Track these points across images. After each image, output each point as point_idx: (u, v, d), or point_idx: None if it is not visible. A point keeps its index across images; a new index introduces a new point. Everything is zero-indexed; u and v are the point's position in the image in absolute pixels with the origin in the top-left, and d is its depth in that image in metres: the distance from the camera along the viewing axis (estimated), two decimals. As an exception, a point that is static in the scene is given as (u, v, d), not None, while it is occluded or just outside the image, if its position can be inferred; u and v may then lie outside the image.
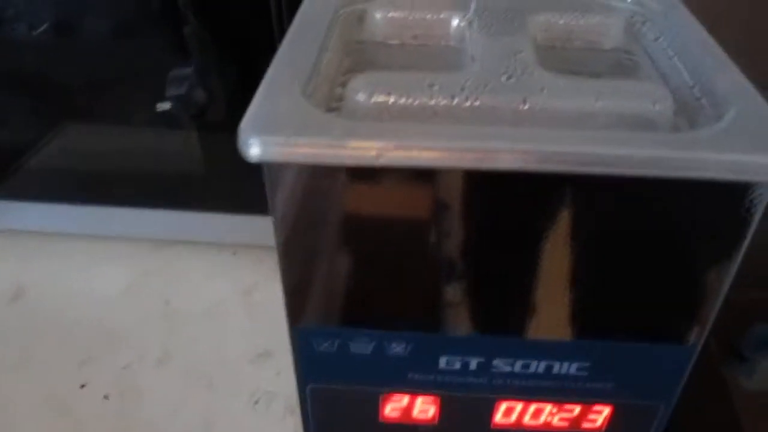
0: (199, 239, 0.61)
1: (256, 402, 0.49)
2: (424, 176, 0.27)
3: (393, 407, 0.35)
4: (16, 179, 0.60)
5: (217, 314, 0.56)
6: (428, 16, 0.36)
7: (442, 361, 0.33)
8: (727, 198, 0.26)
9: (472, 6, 0.35)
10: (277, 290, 0.54)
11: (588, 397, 0.34)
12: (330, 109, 0.29)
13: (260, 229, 0.57)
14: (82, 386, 0.50)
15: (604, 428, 0.36)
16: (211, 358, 0.52)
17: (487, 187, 0.27)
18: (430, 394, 0.35)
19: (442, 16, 0.36)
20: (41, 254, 0.62)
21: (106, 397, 0.49)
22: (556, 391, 0.34)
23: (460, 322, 0.32)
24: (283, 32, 0.33)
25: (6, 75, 0.55)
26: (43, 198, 0.60)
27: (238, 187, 0.56)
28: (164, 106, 0.47)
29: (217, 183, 0.57)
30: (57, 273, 0.60)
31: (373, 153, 0.25)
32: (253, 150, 0.25)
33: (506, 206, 0.28)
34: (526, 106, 0.28)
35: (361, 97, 0.28)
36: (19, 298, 0.58)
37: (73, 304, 0.57)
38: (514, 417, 0.35)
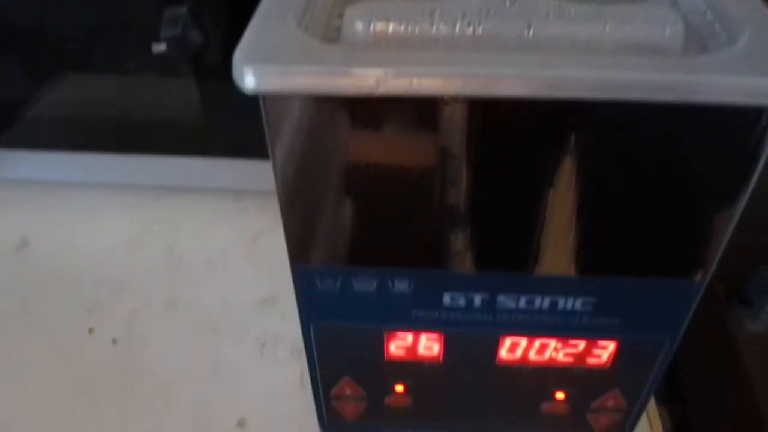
0: (202, 186, 0.61)
1: (263, 345, 0.49)
2: (425, 107, 0.26)
3: (397, 345, 0.35)
4: (16, 129, 0.59)
5: (222, 261, 0.56)
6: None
7: (446, 298, 0.33)
8: (738, 125, 0.25)
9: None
10: (280, 235, 0.54)
11: (593, 333, 0.34)
12: (327, 40, 0.28)
13: (262, 174, 0.56)
14: (90, 330, 0.50)
15: (609, 364, 0.36)
16: (217, 303, 0.52)
17: (490, 119, 0.26)
18: (434, 332, 0.35)
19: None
20: (44, 204, 0.62)
21: (114, 341, 0.49)
22: (561, 327, 0.34)
23: (464, 259, 0.31)
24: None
25: (1, 26, 0.54)
26: (44, 147, 0.59)
27: (238, 132, 0.55)
28: (160, 47, 0.46)
29: (217, 128, 0.56)
30: (60, 222, 0.60)
31: (373, 81, 0.24)
32: (248, 80, 0.24)
33: (510, 138, 0.27)
34: (531, 33, 0.27)
35: (359, 26, 0.27)
36: (22, 247, 0.58)
37: (77, 253, 0.57)
38: (519, 353, 0.35)
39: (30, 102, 0.58)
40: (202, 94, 0.55)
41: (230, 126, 0.56)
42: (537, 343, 0.35)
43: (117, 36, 0.54)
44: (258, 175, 0.57)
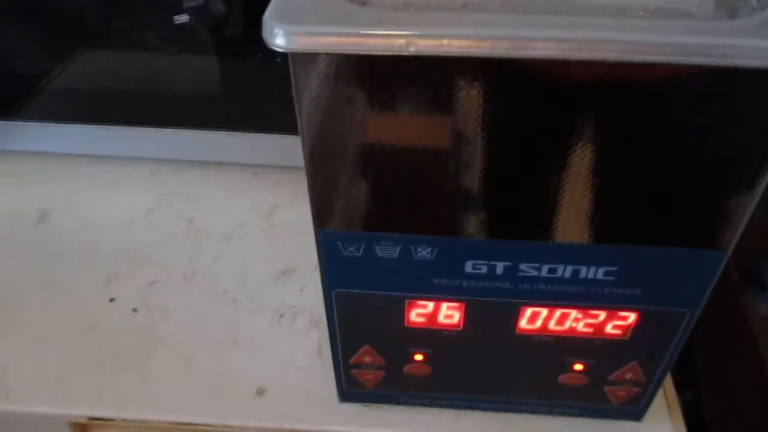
0: (220, 160, 0.61)
1: (281, 316, 0.49)
2: (452, 71, 0.26)
3: (418, 313, 0.36)
4: (36, 102, 0.59)
5: (240, 234, 0.56)
6: None
7: (468, 266, 0.33)
8: (763, 91, 0.25)
9: None
10: (298, 210, 0.55)
11: (614, 303, 0.34)
12: (356, 3, 0.28)
13: (281, 148, 0.56)
14: (111, 300, 0.51)
15: (628, 335, 0.36)
16: (235, 275, 0.53)
17: (515, 85, 0.26)
18: (455, 300, 0.35)
19: None
20: (63, 177, 0.62)
21: (134, 310, 0.50)
22: (582, 297, 0.34)
23: (487, 226, 0.31)
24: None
25: (20, 2, 0.54)
26: (63, 119, 0.60)
27: (258, 106, 0.55)
28: (182, 18, 0.46)
29: (237, 102, 0.57)
30: (80, 195, 0.61)
31: (402, 41, 0.24)
32: (279, 40, 0.24)
33: (534, 105, 0.27)
34: (560, -3, 0.27)
35: (387, -12, 0.27)
36: (43, 220, 0.58)
37: (97, 226, 0.58)
38: (539, 323, 0.35)
39: (50, 75, 0.58)
40: (222, 67, 0.56)
41: (250, 100, 0.56)
42: (557, 312, 0.35)
43: (138, 8, 0.54)
44: (276, 149, 0.57)
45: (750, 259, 0.79)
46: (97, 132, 0.60)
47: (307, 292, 0.51)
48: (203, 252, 0.55)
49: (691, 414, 0.75)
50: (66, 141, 0.61)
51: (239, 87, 0.56)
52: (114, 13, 0.54)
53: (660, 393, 0.44)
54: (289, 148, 0.56)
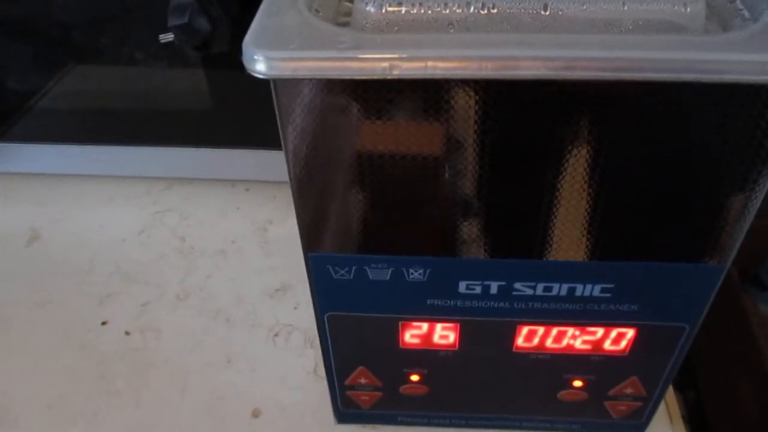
0: (212, 176, 0.61)
1: (276, 335, 0.49)
2: (439, 92, 0.25)
3: (412, 334, 0.35)
4: (26, 122, 0.59)
5: (234, 250, 0.56)
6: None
7: (462, 286, 0.32)
8: (759, 105, 0.25)
9: None
10: (291, 225, 0.54)
11: (611, 319, 0.33)
12: (338, 24, 0.28)
13: (273, 164, 0.56)
14: (104, 323, 0.50)
15: (627, 351, 0.35)
16: (229, 293, 0.52)
17: (504, 103, 0.25)
18: (449, 320, 0.34)
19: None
20: (55, 196, 0.62)
21: (127, 333, 0.49)
22: (579, 314, 0.33)
23: (479, 246, 0.31)
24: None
25: (9, 20, 0.54)
26: (54, 139, 0.59)
27: (249, 122, 0.55)
28: (167, 37, 0.45)
29: (227, 118, 0.56)
30: (71, 214, 0.60)
31: (386, 65, 0.24)
32: (259, 66, 0.24)
33: (525, 123, 0.26)
34: (547, 12, 0.26)
35: (370, 8, 0.27)
36: (35, 240, 0.58)
37: (89, 245, 0.57)
38: (536, 341, 0.35)
39: (39, 95, 0.58)
40: (212, 83, 0.55)
41: (240, 116, 0.55)
42: (554, 330, 0.34)
43: (125, 26, 0.53)
44: (268, 165, 0.57)
45: (750, 260, 0.79)
46: (88, 151, 0.59)
47: (302, 309, 0.50)
48: (196, 270, 0.54)
49: (693, 415, 0.75)
50: (57, 161, 0.61)
51: (230, 103, 0.56)
52: (101, 31, 0.54)
53: (662, 406, 0.43)
54: (281, 163, 0.56)
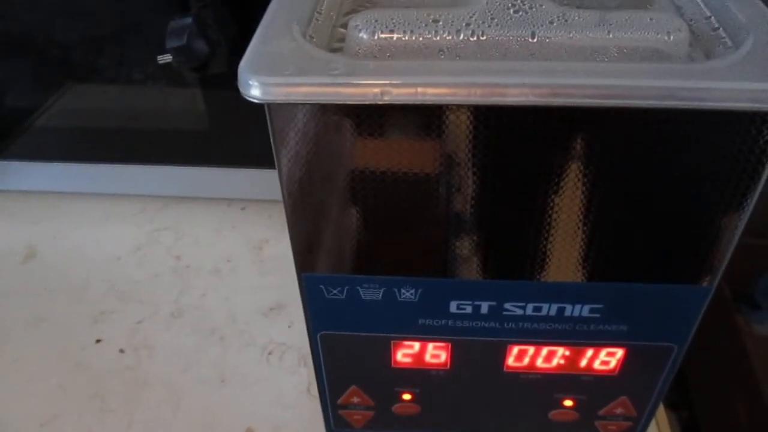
0: (208, 195, 0.61)
1: (270, 354, 0.49)
2: (430, 116, 0.26)
3: (404, 353, 0.35)
4: (23, 141, 0.59)
5: (228, 269, 0.56)
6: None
7: (453, 306, 0.33)
8: (743, 131, 0.25)
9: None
10: (286, 244, 0.54)
11: (601, 340, 0.34)
12: (332, 50, 0.29)
13: (268, 183, 0.56)
14: (98, 341, 0.50)
15: (617, 370, 0.36)
16: (223, 312, 0.52)
17: (495, 127, 0.26)
18: (441, 340, 0.35)
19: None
20: (51, 214, 0.62)
21: (121, 351, 0.49)
22: (569, 334, 0.34)
23: (470, 266, 0.31)
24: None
25: (8, 38, 0.54)
26: (51, 158, 0.60)
27: (244, 142, 0.55)
28: (165, 58, 0.46)
29: (223, 138, 0.57)
30: (67, 233, 0.60)
31: (377, 90, 0.24)
32: (254, 91, 0.25)
33: (515, 146, 0.27)
34: (535, 40, 0.27)
35: (363, 35, 0.28)
36: (30, 258, 0.58)
37: (85, 263, 0.57)
38: (526, 360, 0.35)
39: (36, 113, 0.58)
40: (208, 103, 0.56)
41: (236, 135, 0.56)
42: (544, 350, 0.35)
43: (123, 47, 0.54)
44: (264, 184, 0.57)
45: (742, 278, 0.79)
46: (85, 170, 0.60)
47: (296, 328, 0.51)
48: (191, 289, 0.54)
49: (688, 433, 0.75)
50: (53, 179, 0.61)
51: (226, 122, 0.56)
52: (99, 50, 0.55)
53: (652, 424, 0.43)
54: (277, 183, 0.56)
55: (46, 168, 0.60)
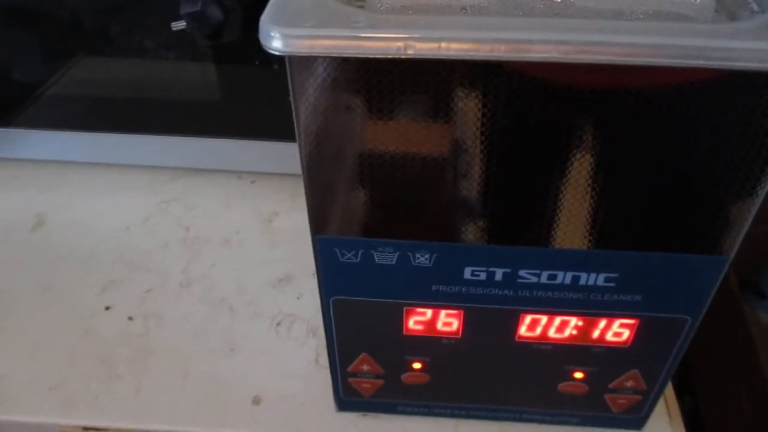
0: (218, 167, 0.61)
1: (278, 324, 0.49)
2: (452, 75, 0.25)
3: (416, 320, 0.35)
4: (33, 109, 0.59)
5: (237, 241, 0.56)
6: None
7: (467, 272, 0.33)
8: (765, 93, 0.25)
9: None
10: (296, 217, 0.54)
11: (615, 310, 0.34)
12: (354, 5, 0.28)
13: (280, 156, 0.56)
14: (107, 308, 0.50)
15: (629, 342, 0.35)
16: (232, 283, 0.52)
17: (516, 89, 0.26)
18: (454, 307, 0.34)
19: None
20: (60, 183, 0.62)
21: (130, 318, 0.49)
22: (582, 303, 0.33)
23: (486, 232, 0.31)
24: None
25: (20, 8, 0.54)
26: (61, 127, 0.59)
27: (257, 114, 0.55)
28: (179, 25, 0.46)
29: (235, 109, 0.56)
30: (76, 202, 0.60)
31: (400, 44, 0.24)
32: (276, 43, 0.24)
33: (534, 110, 0.27)
34: (559, 0, 0.27)
35: (385, -8, 0.27)
36: (39, 227, 0.58)
37: (94, 233, 0.57)
38: (538, 330, 0.35)
39: (47, 82, 0.58)
40: (221, 74, 0.55)
41: (248, 107, 0.55)
42: (557, 320, 0.35)
43: (135, 15, 0.54)
44: (275, 157, 0.57)
45: (749, 267, 0.79)
46: (95, 139, 0.59)
47: (305, 299, 0.50)
48: (200, 259, 0.54)
49: (690, 420, 0.75)
50: (63, 148, 0.61)
51: (237, 94, 0.56)
52: (111, 19, 0.54)
53: (661, 401, 0.43)
54: (287, 156, 0.56)
55: (55, 137, 0.60)
